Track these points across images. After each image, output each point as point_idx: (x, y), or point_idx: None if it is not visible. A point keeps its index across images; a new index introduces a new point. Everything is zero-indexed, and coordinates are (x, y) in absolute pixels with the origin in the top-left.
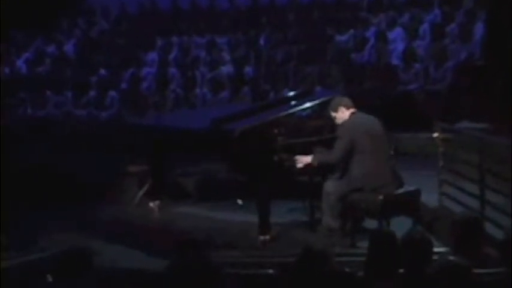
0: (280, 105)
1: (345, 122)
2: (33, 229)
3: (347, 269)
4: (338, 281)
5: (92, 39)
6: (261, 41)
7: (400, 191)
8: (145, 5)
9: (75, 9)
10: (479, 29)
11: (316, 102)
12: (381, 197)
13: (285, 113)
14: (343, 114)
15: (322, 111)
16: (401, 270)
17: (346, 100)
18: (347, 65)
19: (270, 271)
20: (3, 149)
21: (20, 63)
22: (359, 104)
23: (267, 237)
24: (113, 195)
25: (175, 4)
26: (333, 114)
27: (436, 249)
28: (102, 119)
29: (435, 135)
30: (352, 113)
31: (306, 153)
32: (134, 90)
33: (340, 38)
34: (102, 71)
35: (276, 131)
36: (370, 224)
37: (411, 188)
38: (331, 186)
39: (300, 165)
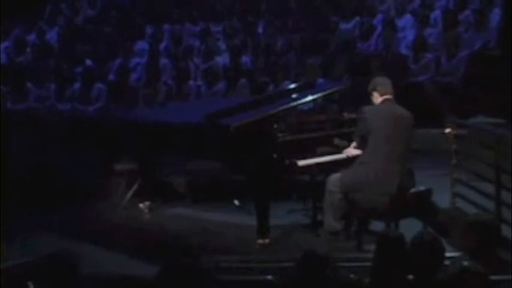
0: (280, 99)
1: (368, 107)
2: (12, 232)
3: (352, 276)
4: None
5: (76, 27)
6: (260, 29)
7: (411, 191)
8: None
9: None
10: (495, 15)
11: (319, 95)
12: (388, 197)
13: (286, 107)
14: (375, 99)
15: (326, 105)
16: (410, 277)
17: (382, 84)
18: (352, 55)
19: (269, 277)
20: None
21: None
22: (364, 97)
23: (266, 240)
24: (100, 196)
25: None
26: (371, 97)
27: (448, 254)
28: (88, 114)
29: (447, 131)
30: (385, 100)
31: (307, 151)
32: (122, 82)
33: (345, 26)
34: (88, 62)
35: (275, 126)
36: (377, 226)
37: (422, 188)
38: (334, 183)
39: (349, 155)
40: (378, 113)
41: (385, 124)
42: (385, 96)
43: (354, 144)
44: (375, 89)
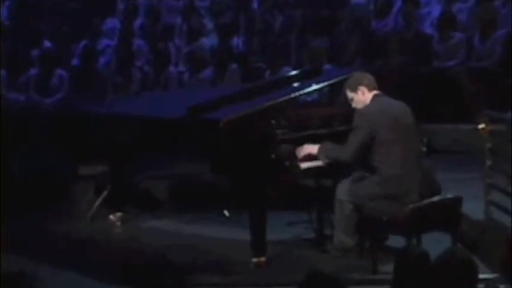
0: (279, 88)
1: (365, 108)
2: None
3: None
4: None
5: (32, 1)
6: (254, 4)
7: (436, 198)
8: None
9: None
10: None
11: (326, 84)
12: (409, 207)
13: (285, 98)
14: (363, 97)
15: (333, 96)
16: None
17: (369, 78)
18: (366, 35)
19: None
20: None
21: None
22: (381, 85)
23: (262, 259)
24: (61, 205)
25: None
26: (350, 94)
27: (481, 276)
28: (46, 105)
29: (481, 126)
30: (376, 96)
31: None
32: (88, 67)
33: (357, 0)
34: (47, 43)
35: (273, 121)
36: (396, 241)
37: (449, 195)
38: (345, 191)
39: (301, 155)
40: (378, 113)
41: (391, 123)
42: (375, 92)
43: (313, 147)
44: (361, 84)
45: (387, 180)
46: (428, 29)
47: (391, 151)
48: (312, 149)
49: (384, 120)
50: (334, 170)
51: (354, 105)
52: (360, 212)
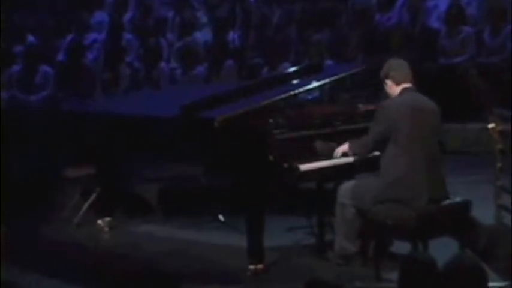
0: (277, 86)
1: (387, 101)
2: None
3: None
4: None
5: None
6: None
7: (444, 203)
8: None
9: None
10: None
11: (327, 81)
12: (416, 211)
13: (284, 96)
14: (391, 90)
15: (335, 94)
16: None
17: (398, 69)
18: (369, 29)
19: None
20: None
21: None
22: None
23: (259, 266)
24: (46, 210)
25: None
26: (385, 85)
27: (491, 284)
28: (31, 104)
29: (491, 126)
30: (404, 90)
31: (311, 152)
32: (75, 63)
33: None
34: (31, 38)
35: (271, 121)
36: (401, 247)
37: (458, 199)
38: (347, 194)
39: (338, 156)
40: (401, 109)
41: (411, 122)
42: (404, 85)
43: (344, 146)
44: (387, 76)
45: (394, 183)
46: (435, 23)
47: (404, 151)
48: (343, 147)
49: (403, 115)
50: (336, 172)
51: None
52: (363, 216)
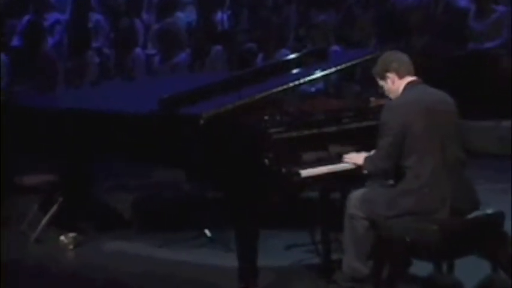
0: (274, 76)
1: (393, 101)
2: None
3: None
4: None
5: None
6: None
7: (472, 215)
8: None
9: None
10: None
11: (333, 70)
12: (439, 225)
13: (282, 88)
14: (393, 86)
15: (343, 86)
16: None
17: (400, 60)
18: (383, 10)
19: None
20: None
21: None
22: None
23: None
24: None
25: None
26: (380, 83)
27: None
28: None
29: None
30: (409, 84)
31: (315, 153)
32: (33, 49)
33: None
34: None
35: (266, 117)
36: (421, 268)
37: (488, 211)
38: (357, 204)
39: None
40: (413, 108)
41: (426, 121)
42: (409, 79)
43: (359, 158)
44: (388, 70)
45: (414, 192)
46: (462, 2)
47: (422, 155)
48: (358, 158)
49: (414, 113)
50: (343, 179)
51: (387, 95)
52: (377, 230)
